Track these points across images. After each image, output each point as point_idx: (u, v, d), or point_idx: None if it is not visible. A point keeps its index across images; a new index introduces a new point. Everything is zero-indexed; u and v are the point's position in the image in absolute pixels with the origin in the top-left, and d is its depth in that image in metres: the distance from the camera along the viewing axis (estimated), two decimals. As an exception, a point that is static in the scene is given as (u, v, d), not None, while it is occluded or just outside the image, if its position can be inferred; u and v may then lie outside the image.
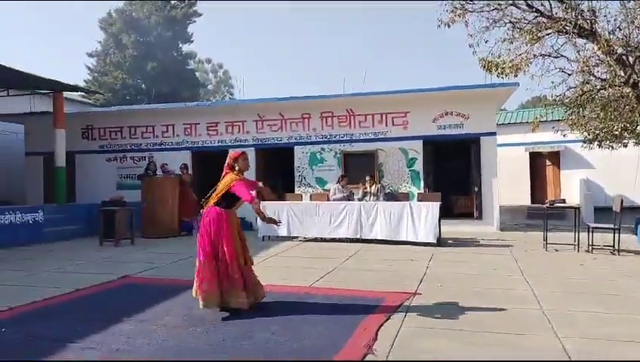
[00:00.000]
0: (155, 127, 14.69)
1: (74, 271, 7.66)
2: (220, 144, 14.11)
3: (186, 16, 31.88)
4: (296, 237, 10.76)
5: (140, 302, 5.53)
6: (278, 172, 14.60)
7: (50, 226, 11.52)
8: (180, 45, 32.62)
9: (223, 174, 5.24)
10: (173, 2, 31.82)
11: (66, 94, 14.75)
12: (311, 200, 11.61)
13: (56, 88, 13.55)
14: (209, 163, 14.35)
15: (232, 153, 5.29)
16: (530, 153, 19.24)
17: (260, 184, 5.53)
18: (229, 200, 5.04)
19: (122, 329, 4.50)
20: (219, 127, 14.15)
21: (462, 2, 9.23)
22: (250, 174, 13.47)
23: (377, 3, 73.19)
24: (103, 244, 10.47)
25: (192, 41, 33.29)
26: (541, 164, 19.39)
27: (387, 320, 4.66)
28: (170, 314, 4.95)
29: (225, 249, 4.92)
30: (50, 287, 6.32)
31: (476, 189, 12.50)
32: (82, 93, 23.43)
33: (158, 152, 14.34)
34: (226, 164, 5.24)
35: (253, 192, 5.06)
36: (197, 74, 37.11)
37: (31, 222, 11.05)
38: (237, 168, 5.16)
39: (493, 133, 12.50)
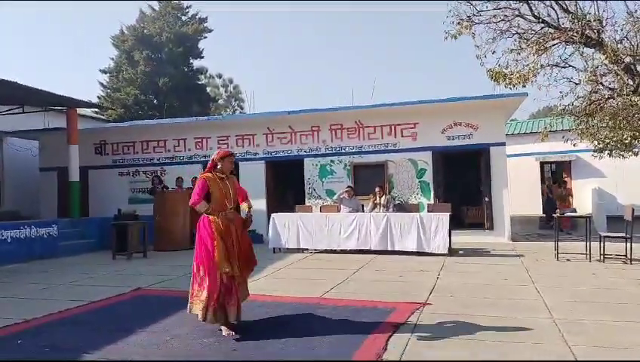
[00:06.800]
0: (166, 141, 14.86)
1: (88, 283, 7.77)
2: (230, 157, 14.21)
3: (196, 32, 32.27)
4: (306, 249, 10.80)
5: (152, 313, 5.61)
6: (288, 184, 14.69)
7: (65, 240, 11.70)
8: (191, 61, 32.98)
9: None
10: (184, 19, 32.28)
11: (79, 110, 14.98)
12: (321, 211, 11.65)
13: (69, 105, 13.79)
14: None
15: (219, 151, 4.96)
16: (541, 163, 19.18)
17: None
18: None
19: (136, 339, 4.58)
20: (229, 140, 14.28)
21: (468, 14, 9.31)
22: (261, 186, 13.69)
23: (385, 15, 73.74)
24: (116, 258, 10.59)
25: (202, 57, 33.66)
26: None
27: (397, 330, 4.69)
28: (182, 325, 5.01)
29: (204, 256, 4.66)
30: (65, 300, 6.43)
31: (487, 199, 12.46)
32: (95, 110, 23.78)
33: (169, 166, 14.53)
34: (209, 161, 4.92)
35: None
36: (208, 89, 37.44)
37: (46, 236, 11.20)
38: (219, 167, 4.84)
39: (503, 143, 12.49)
